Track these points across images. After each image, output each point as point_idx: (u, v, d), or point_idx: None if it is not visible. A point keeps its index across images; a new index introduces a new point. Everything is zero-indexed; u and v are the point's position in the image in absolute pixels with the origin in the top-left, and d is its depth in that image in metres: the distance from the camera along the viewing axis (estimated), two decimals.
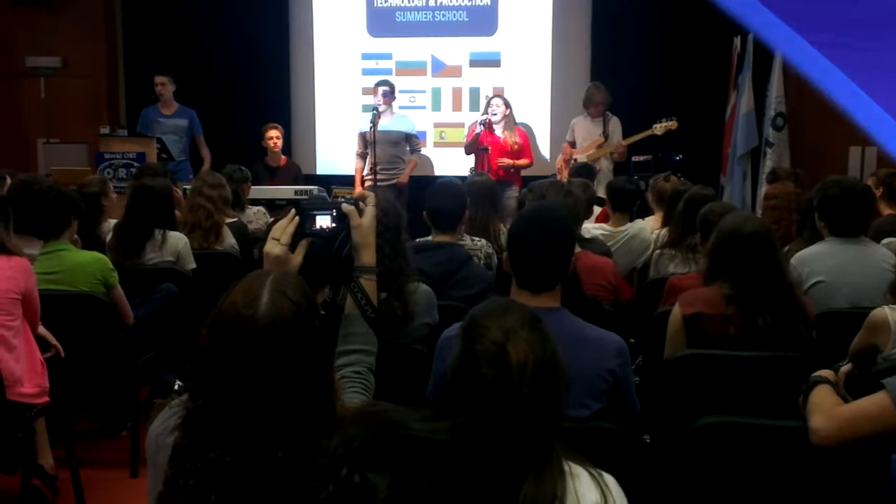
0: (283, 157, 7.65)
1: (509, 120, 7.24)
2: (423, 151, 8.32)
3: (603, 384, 2.30)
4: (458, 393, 1.64)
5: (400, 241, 2.85)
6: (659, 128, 6.90)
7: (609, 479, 1.60)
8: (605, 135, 7.22)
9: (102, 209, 4.73)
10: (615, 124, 7.32)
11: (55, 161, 7.27)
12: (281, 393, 1.47)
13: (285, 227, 1.95)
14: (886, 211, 4.76)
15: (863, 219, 3.60)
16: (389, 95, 7.38)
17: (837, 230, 3.57)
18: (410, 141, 7.47)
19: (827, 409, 2.14)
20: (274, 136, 7.50)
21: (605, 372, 2.31)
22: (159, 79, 7.51)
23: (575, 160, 7.24)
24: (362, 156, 7.49)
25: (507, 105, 7.26)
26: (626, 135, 7.23)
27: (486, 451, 1.46)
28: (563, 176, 6.93)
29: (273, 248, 1.93)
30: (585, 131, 7.41)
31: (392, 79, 8.23)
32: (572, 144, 7.49)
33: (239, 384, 1.47)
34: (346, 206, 1.98)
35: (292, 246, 1.94)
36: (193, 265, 4.57)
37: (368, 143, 7.27)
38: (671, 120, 6.86)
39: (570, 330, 2.33)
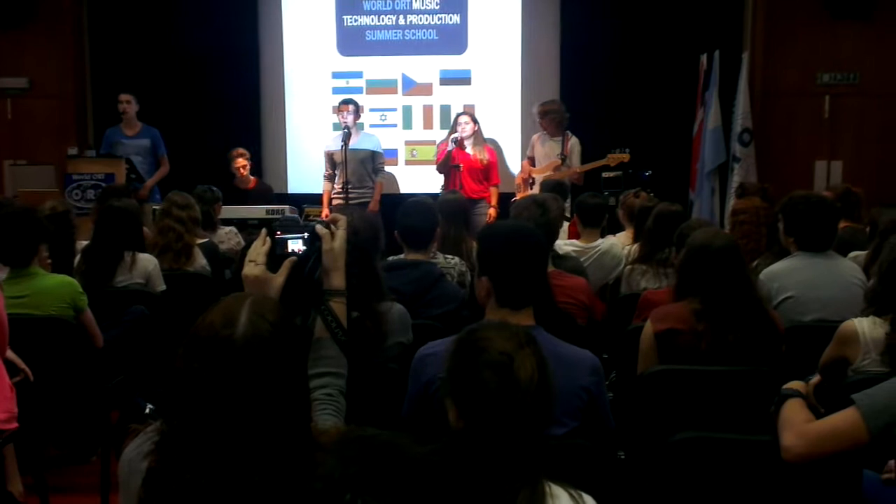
0: (251, 178, 7.61)
1: (478, 136, 7.28)
2: (395, 169, 8.34)
3: (578, 402, 2.31)
4: (456, 404, 1.66)
5: (369, 259, 2.82)
6: (612, 158, 6.93)
7: (589, 501, 1.61)
8: (563, 156, 7.22)
9: (74, 227, 4.68)
10: (574, 145, 7.27)
11: (23, 183, 7.19)
12: (257, 415, 1.46)
13: (259, 249, 1.94)
14: (842, 224, 4.83)
15: (830, 233, 3.64)
16: (356, 114, 7.40)
17: (805, 245, 3.61)
18: (375, 159, 7.46)
19: (797, 426, 2.16)
20: (241, 164, 7.44)
21: (581, 389, 2.32)
22: (123, 97, 7.46)
23: (532, 179, 7.27)
24: (330, 178, 7.47)
25: (475, 121, 7.30)
26: (588, 153, 7.24)
27: (480, 470, 1.48)
28: (523, 194, 6.95)
29: (251, 269, 1.92)
30: (544, 150, 7.40)
31: (363, 97, 8.26)
32: (532, 160, 7.51)
33: (215, 406, 1.46)
34: (319, 229, 1.98)
35: (271, 266, 1.93)
36: (163, 287, 4.53)
37: (337, 162, 7.27)
38: (624, 151, 6.91)
39: (546, 347, 2.32)
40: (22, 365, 3.48)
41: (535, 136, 7.56)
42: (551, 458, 1.66)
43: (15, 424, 3.30)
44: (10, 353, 3.43)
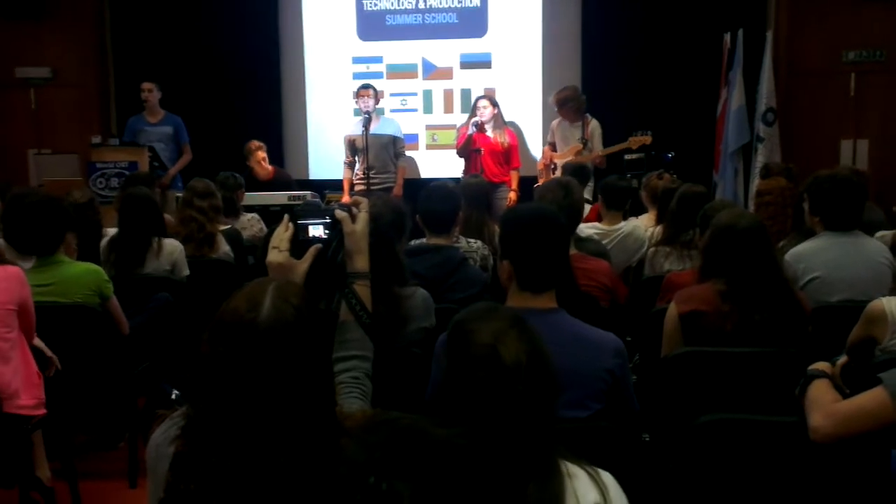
0: (269, 168, 7.51)
1: (498, 119, 7.26)
2: (416, 154, 8.34)
3: (602, 384, 2.30)
4: (453, 398, 1.65)
5: (390, 244, 2.82)
6: (634, 141, 6.87)
7: (607, 478, 1.60)
8: (584, 140, 7.17)
9: (99, 215, 4.71)
10: (594, 128, 7.21)
11: (47, 172, 7.25)
12: (282, 399, 1.47)
13: (282, 235, 1.94)
14: None
15: (856, 212, 3.59)
16: (375, 98, 7.39)
17: (831, 224, 3.57)
18: (396, 143, 7.46)
19: (825, 406, 2.14)
20: (261, 157, 7.38)
21: (604, 372, 2.31)
22: (145, 85, 7.51)
23: (554, 164, 7.23)
24: (350, 165, 7.47)
25: (494, 104, 7.27)
26: (610, 135, 7.18)
27: (501, 453, 1.47)
28: (545, 179, 6.92)
29: (275, 256, 1.92)
30: (564, 134, 7.34)
31: (383, 82, 8.26)
32: (553, 146, 7.46)
33: (241, 390, 1.47)
34: (339, 213, 1.98)
35: (294, 252, 1.93)
36: (188, 272, 4.57)
37: (359, 148, 7.26)
38: (646, 134, 6.84)
39: (569, 330, 2.34)
40: (49, 353, 3.51)
41: (554, 122, 7.50)
42: (573, 439, 1.65)
43: (43, 411, 3.33)
44: (36, 341, 3.47)
